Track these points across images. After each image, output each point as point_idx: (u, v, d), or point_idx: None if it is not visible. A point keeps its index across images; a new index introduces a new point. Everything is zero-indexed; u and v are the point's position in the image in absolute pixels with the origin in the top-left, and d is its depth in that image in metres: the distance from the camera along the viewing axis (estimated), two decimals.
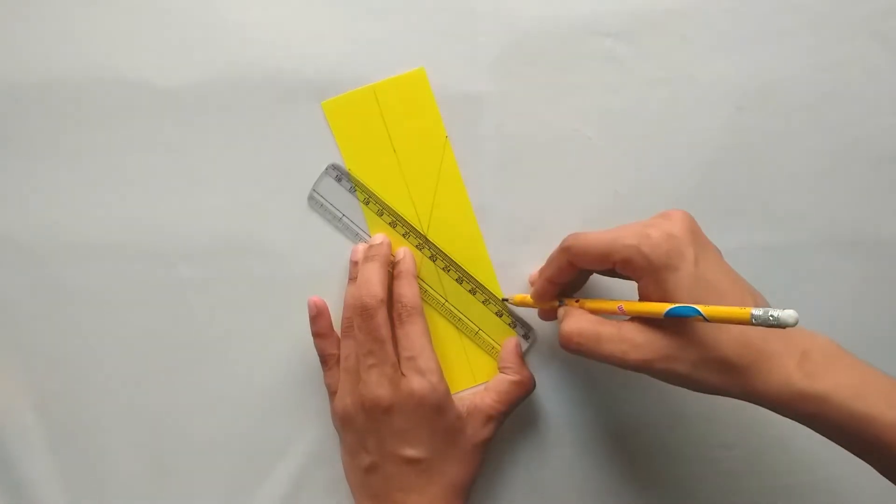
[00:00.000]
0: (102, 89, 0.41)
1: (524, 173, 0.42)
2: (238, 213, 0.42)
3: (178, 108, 0.42)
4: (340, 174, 0.41)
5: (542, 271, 0.38)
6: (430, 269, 0.42)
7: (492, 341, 0.43)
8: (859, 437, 0.29)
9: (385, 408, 0.37)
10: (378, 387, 0.37)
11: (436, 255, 0.42)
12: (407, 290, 0.39)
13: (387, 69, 0.41)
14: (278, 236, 0.42)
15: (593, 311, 0.35)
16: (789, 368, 0.30)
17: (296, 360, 0.43)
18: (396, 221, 0.42)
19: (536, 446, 0.44)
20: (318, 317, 0.41)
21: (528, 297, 0.40)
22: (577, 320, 0.34)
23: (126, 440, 0.43)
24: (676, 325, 0.32)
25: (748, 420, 0.43)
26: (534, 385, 0.41)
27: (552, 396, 0.43)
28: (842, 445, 0.31)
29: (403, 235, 0.42)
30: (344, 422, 0.39)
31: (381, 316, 0.37)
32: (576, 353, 0.34)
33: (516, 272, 0.42)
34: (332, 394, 0.41)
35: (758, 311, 0.27)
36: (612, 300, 0.34)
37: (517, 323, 0.43)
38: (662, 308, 0.31)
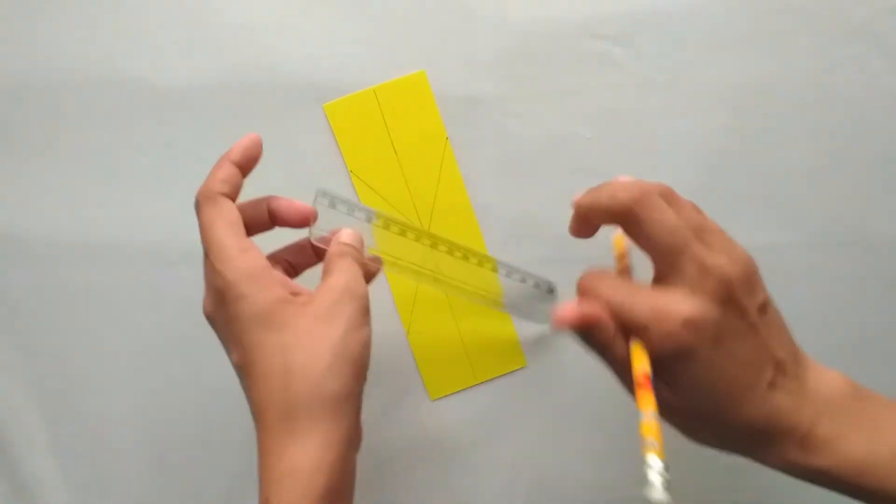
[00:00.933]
0: (103, 89, 0.41)
1: (524, 173, 0.42)
2: None
3: (179, 109, 0.42)
4: (333, 199, 0.36)
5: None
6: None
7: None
8: (870, 501, 0.29)
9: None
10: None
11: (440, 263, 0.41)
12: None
13: (388, 72, 0.41)
14: (278, 236, 0.42)
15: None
16: (791, 451, 0.29)
17: None
18: (405, 228, 0.38)
19: (536, 444, 0.44)
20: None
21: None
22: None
23: (127, 439, 0.44)
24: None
25: None
26: None
27: (552, 396, 0.44)
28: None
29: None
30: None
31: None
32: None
33: None
34: None
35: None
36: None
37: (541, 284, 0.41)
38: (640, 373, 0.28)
